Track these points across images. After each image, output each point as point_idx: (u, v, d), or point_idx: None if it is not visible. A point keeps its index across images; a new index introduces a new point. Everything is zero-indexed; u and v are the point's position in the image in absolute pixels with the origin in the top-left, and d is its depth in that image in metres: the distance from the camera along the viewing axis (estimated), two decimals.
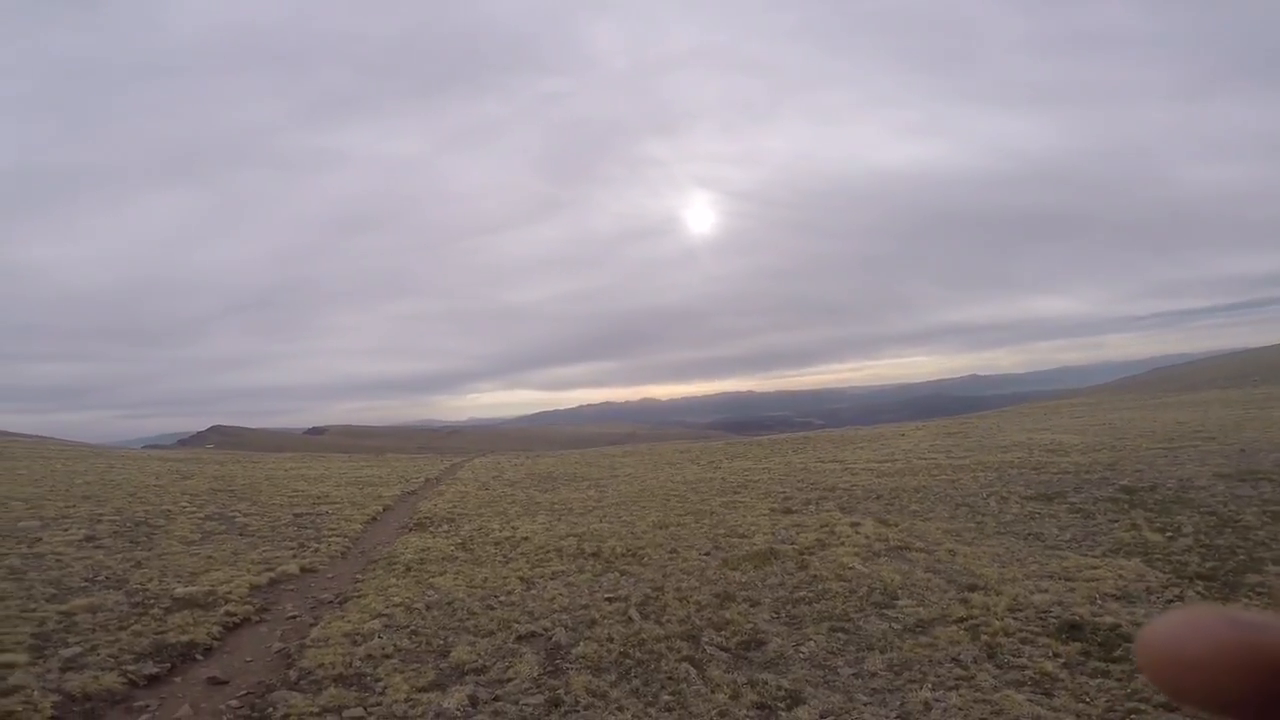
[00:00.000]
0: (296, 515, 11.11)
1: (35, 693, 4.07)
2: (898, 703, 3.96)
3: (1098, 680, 4.01)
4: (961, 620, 5.07)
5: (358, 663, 4.76)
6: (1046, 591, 5.59)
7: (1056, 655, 4.38)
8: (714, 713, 3.91)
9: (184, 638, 5.19)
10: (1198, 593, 5.49)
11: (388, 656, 4.86)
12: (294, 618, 6.03)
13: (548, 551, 8.06)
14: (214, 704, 4.25)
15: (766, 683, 4.25)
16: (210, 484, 14.84)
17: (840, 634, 5.02)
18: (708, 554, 7.58)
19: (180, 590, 6.37)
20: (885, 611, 5.40)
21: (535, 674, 4.51)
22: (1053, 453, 14.03)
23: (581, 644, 4.97)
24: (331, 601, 6.45)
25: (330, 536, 9.44)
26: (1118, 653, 4.31)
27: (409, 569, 7.45)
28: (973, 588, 5.79)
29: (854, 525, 8.49)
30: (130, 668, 4.60)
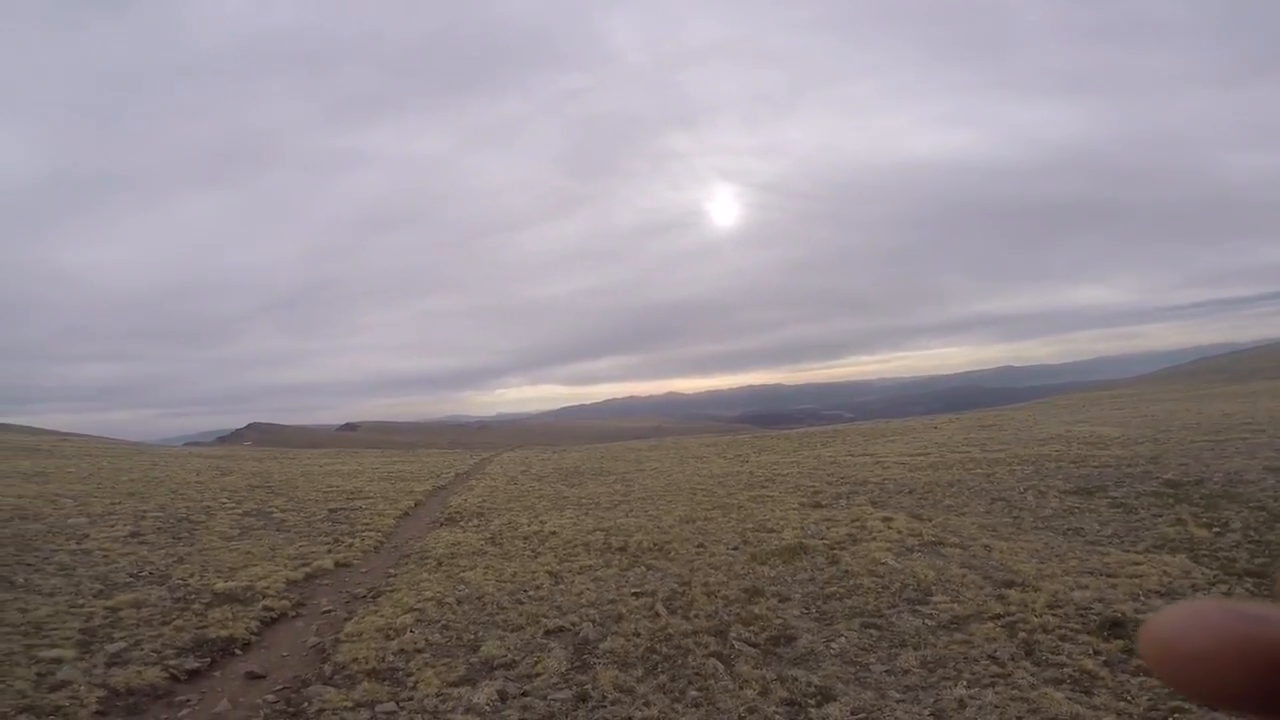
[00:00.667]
0: (331, 510, 11.35)
1: (82, 687, 4.21)
2: (931, 700, 3.88)
3: (1140, 678, 3.88)
4: (998, 617, 4.96)
5: (390, 657, 4.83)
6: (1087, 588, 5.43)
7: (1097, 653, 4.25)
8: (742, 709, 3.88)
9: (223, 632, 5.33)
10: (1247, 589, 5.29)
11: (419, 651, 4.92)
12: (329, 612, 6.15)
13: (575, 546, 8.09)
14: (251, 698, 4.35)
15: (796, 679, 4.20)
16: (248, 480, 15.22)
17: (872, 630, 4.94)
18: (736, 548, 7.53)
19: (220, 585, 6.54)
20: (919, 608, 5.30)
21: (563, 669, 4.53)
22: (1092, 445, 13.63)
23: (609, 639, 4.97)
24: (365, 596, 6.57)
25: (364, 531, 9.62)
26: None
27: (440, 563, 7.54)
28: (1010, 584, 5.65)
29: (886, 520, 8.36)
30: (172, 662, 4.74)
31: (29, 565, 6.98)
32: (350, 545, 8.69)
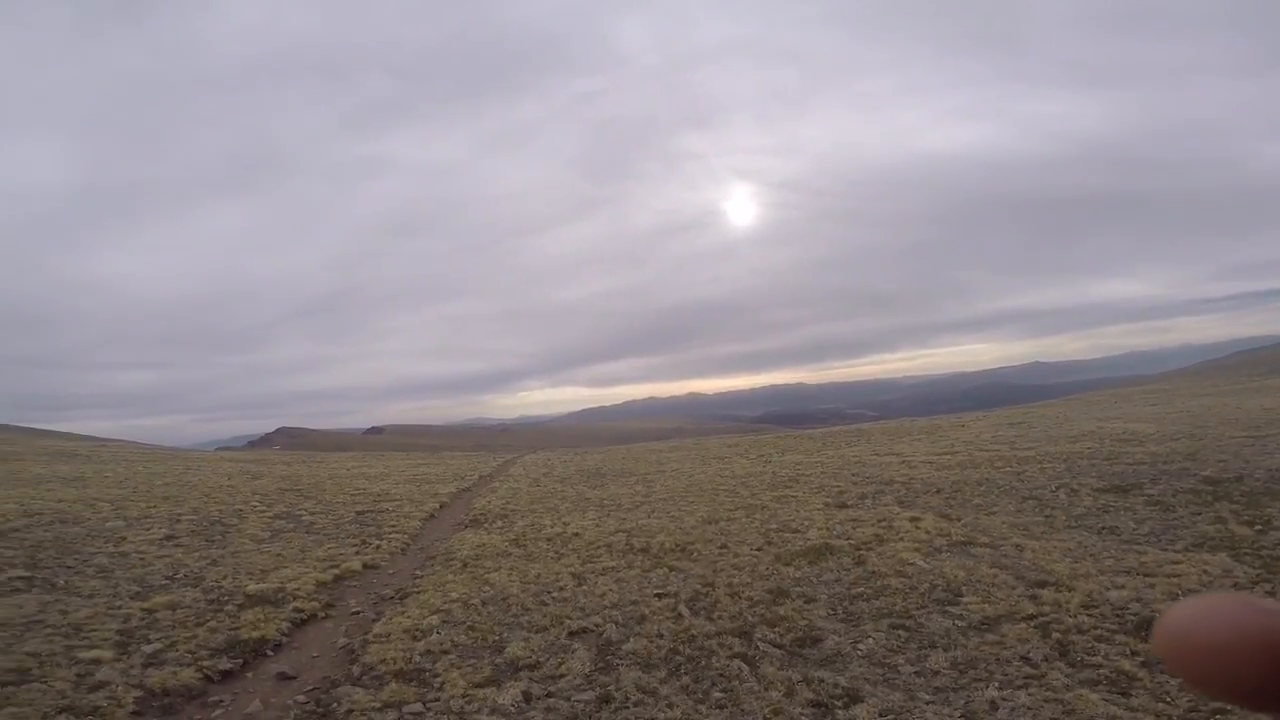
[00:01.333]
0: (359, 513, 11.51)
1: (119, 688, 4.31)
2: (962, 702, 3.81)
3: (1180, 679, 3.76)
4: (1031, 617, 4.85)
5: (417, 658, 4.88)
6: (1123, 587, 5.29)
7: (1135, 653, 4.14)
8: (767, 710, 3.85)
9: (256, 634, 5.43)
10: None
11: (445, 652, 4.97)
12: (357, 613, 6.23)
13: (598, 547, 8.10)
14: (282, 699, 4.42)
15: (823, 680, 4.16)
16: (278, 484, 15.51)
17: (901, 631, 4.86)
18: (759, 549, 7.47)
19: (252, 587, 6.67)
20: (949, 608, 5.21)
21: (586, 670, 4.53)
22: (1126, 442, 13.29)
23: (632, 640, 4.97)
24: (392, 597, 6.64)
25: (391, 533, 9.74)
26: None
27: (465, 565, 7.61)
28: (1043, 584, 5.53)
29: (913, 520, 8.23)
30: (206, 663, 4.83)
31: (69, 568, 7.19)
32: (378, 547, 8.81)
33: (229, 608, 6.08)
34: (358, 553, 8.44)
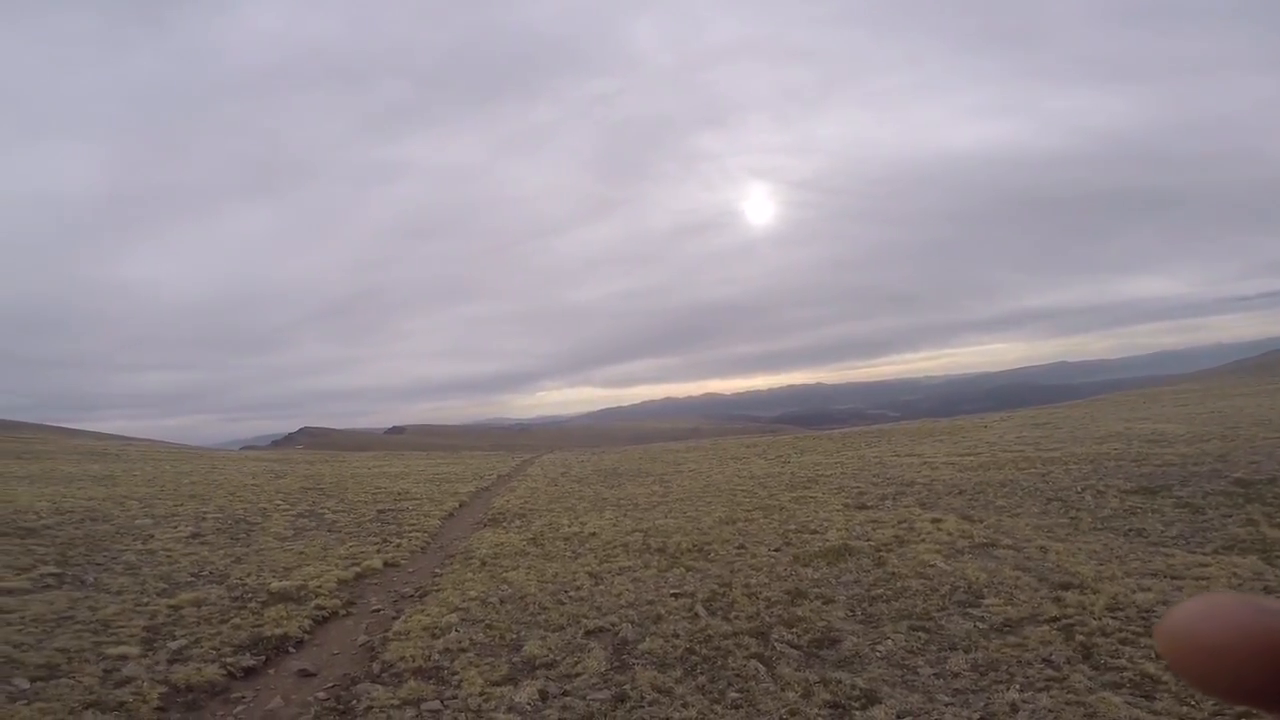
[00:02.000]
0: (380, 511, 11.65)
1: (145, 684, 4.40)
2: (982, 704, 3.76)
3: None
4: (1054, 620, 4.77)
5: (436, 656, 4.92)
6: (1150, 590, 5.18)
7: (1159, 656, 4.04)
8: (784, 711, 3.82)
9: (278, 631, 5.51)
10: None
11: (463, 650, 5.00)
12: (377, 611, 6.30)
13: (614, 547, 8.11)
14: (303, 696, 4.48)
15: (840, 681, 4.12)
16: (301, 482, 15.76)
17: (920, 633, 4.81)
18: (777, 550, 7.43)
19: (275, 585, 6.78)
20: (970, 610, 5.13)
21: (603, 669, 4.53)
22: (1154, 443, 13.00)
23: (648, 640, 4.96)
24: (412, 595, 6.71)
25: (410, 532, 9.85)
26: None
27: (484, 564, 7.66)
28: (1066, 586, 5.43)
29: (935, 521, 8.13)
30: (229, 660, 4.92)
31: (99, 565, 7.36)
32: (398, 545, 8.90)
33: (252, 605, 6.18)
34: (378, 551, 8.55)
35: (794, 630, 5.00)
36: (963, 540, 7.16)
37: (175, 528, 9.56)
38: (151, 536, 8.91)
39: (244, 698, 4.47)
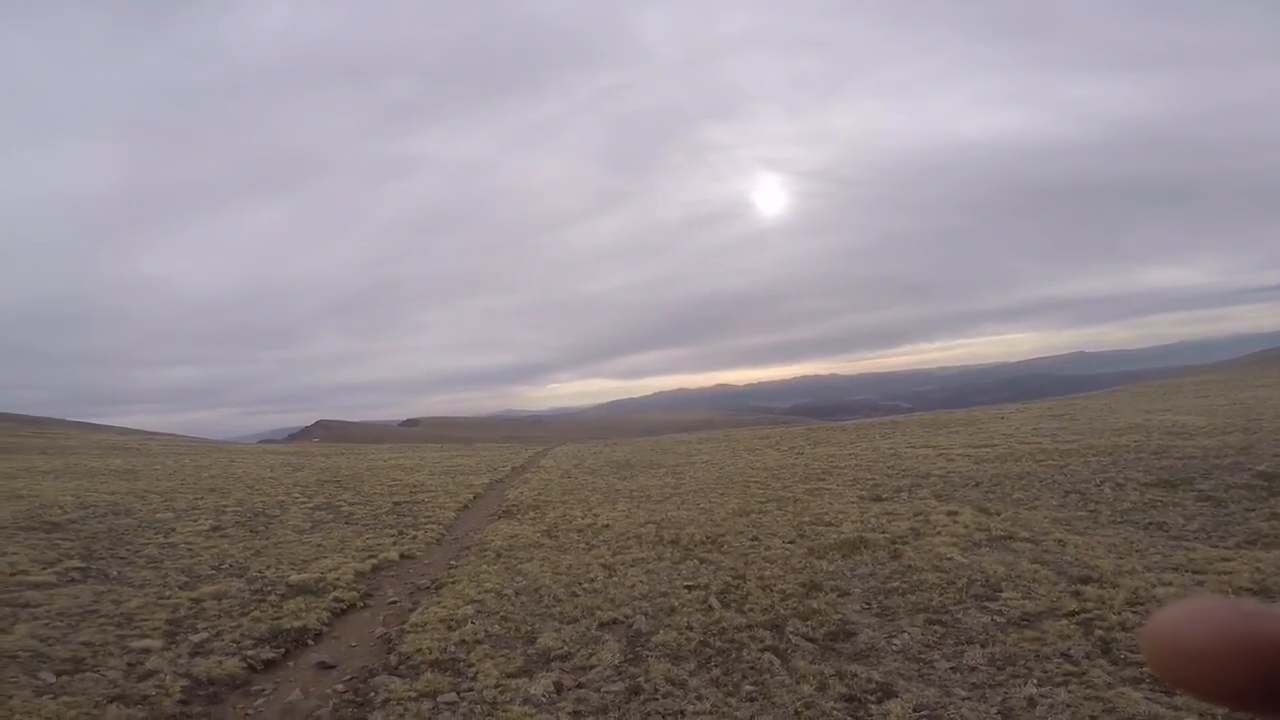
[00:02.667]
0: (395, 504, 11.76)
1: (167, 677, 4.47)
2: (999, 698, 3.73)
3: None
4: (1073, 614, 4.72)
5: (452, 648, 4.96)
6: (1171, 584, 5.11)
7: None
8: (799, 704, 3.82)
9: (297, 623, 5.59)
10: None
11: (479, 642, 5.04)
12: (394, 603, 6.37)
13: (628, 539, 8.13)
14: (322, 688, 4.55)
15: (856, 675, 4.11)
16: (318, 475, 15.93)
17: (937, 626, 4.78)
18: (792, 542, 7.41)
19: (294, 577, 6.86)
20: (987, 604, 5.10)
21: (616, 661, 4.55)
22: (1175, 435, 12.80)
23: (661, 632, 4.98)
24: (428, 587, 6.77)
25: (426, 524, 9.93)
26: None
27: (499, 556, 7.71)
28: (1085, 580, 5.37)
29: (951, 514, 8.07)
30: (250, 652, 4.99)
31: (122, 559, 7.49)
32: (414, 538, 8.99)
33: (272, 597, 6.26)
34: (395, 543, 8.63)
35: (809, 623, 4.99)
36: (979, 533, 7.10)
37: (196, 521, 9.70)
38: (173, 530, 9.05)
39: (264, 690, 4.54)
